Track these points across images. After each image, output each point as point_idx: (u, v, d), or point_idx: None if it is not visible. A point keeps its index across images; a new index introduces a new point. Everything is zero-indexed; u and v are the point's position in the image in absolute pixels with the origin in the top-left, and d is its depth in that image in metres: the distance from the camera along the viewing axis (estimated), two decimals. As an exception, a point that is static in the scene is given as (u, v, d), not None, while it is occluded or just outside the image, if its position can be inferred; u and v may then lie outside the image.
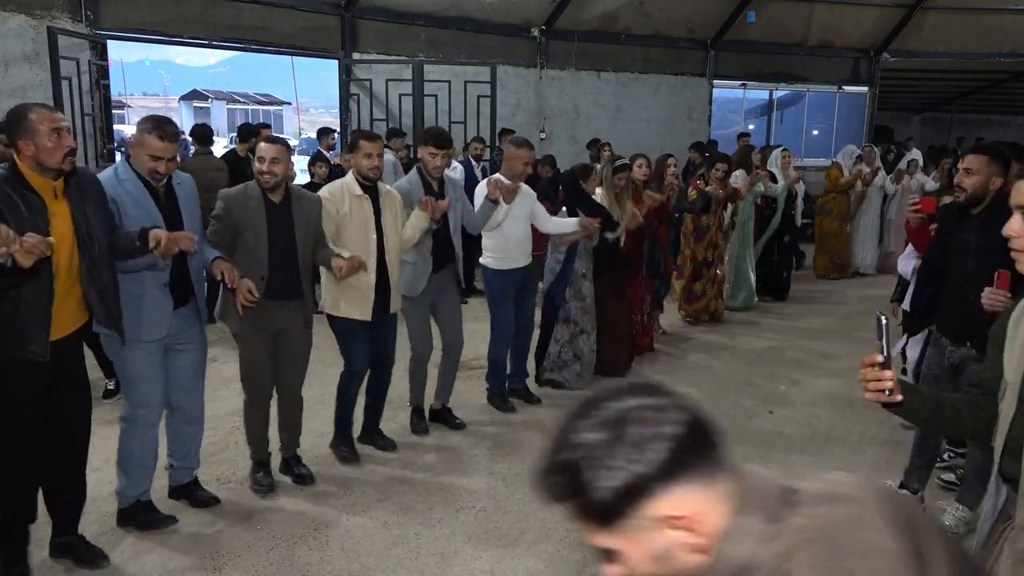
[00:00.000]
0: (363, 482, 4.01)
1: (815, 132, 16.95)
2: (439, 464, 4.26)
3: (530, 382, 5.32)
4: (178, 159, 3.37)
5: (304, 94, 45.22)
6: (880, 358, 1.67)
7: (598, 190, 5.48)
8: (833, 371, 5.86)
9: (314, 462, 4.12)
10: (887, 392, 1.68)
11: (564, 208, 5.30)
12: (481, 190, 4.73)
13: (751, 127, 17.13)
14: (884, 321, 1.62)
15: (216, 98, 42.34)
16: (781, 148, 8.66)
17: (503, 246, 4.82)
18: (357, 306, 4.00)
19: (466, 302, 7.82)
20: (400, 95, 9.99)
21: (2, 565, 2.90)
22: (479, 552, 3.36)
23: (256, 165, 3.63)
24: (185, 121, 38.91)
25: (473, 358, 5.60)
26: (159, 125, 3.19)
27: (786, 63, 13.67)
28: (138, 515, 3.45)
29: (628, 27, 12.14)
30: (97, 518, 3.48)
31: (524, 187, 4.93)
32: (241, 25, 9.14)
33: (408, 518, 3.65)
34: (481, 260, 4.95)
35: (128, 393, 3.37)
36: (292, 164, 3.81)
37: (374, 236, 3.99)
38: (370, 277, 3.96)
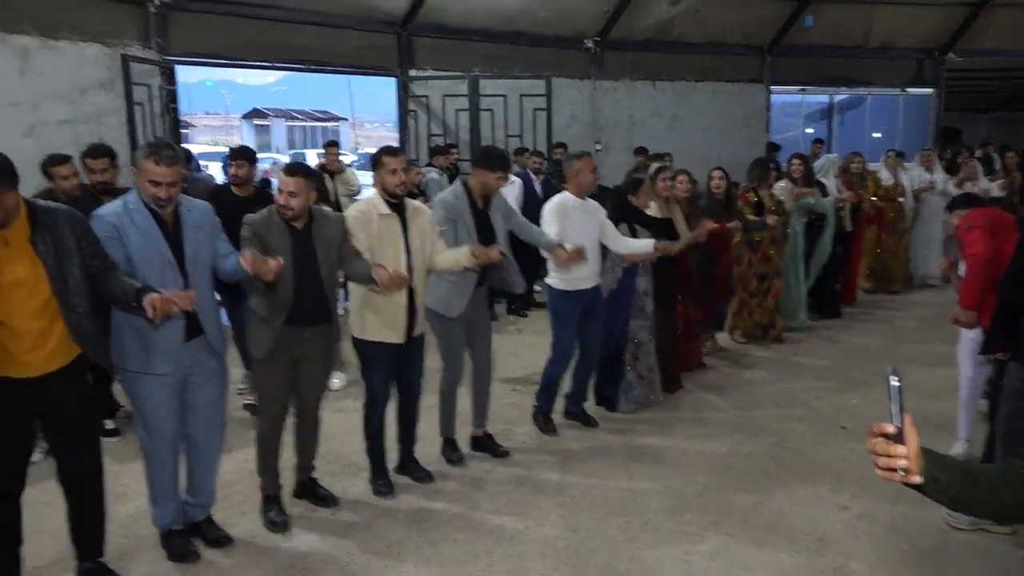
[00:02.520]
0: (415, 505, 4.02)
1: (876, 135, 16.56)
2: (500, 484, 4.24)
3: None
4: (180, 184, 3.26)
5: (360, 109, 46.04)
6: (892, 428, 1.42)
7: (653, 204, 5.35)
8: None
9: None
10: (900, 471, 1.42)
11: (617, 224, 5.14)
12: (549, 213, 4.64)
13: (809, 130, 16.81)
14: (895, 383, 1.39)
15: (276, 116, 43.42)
16: (836, 156, 8.39)
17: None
18: (389, 328, 3.90)
19: (526, 315, 7.87)
20: (457, 110, 10.09)
21: None
22: (550, 570, 3.35)
23: (276, 196, 3.57)
24: (246, 138, 40.01)
25: (535, 372, 5.58)
26: (156, 150, 3.13)
27: (846, 66, 13.39)
28: (170, 543, 3.46)
29: (683, 35, 12.05)
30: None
31: (592, 203, 4.84)
32: (301, 46, 9.36)
33: (477, 535, 3.65)
34: (547, 279, 4.83)
35: (142, 426, 3.35)
36: (313, 192, 3.66)
37: (403, 257, 3.87)
38: (401, 297, 3.86)
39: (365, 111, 49.77)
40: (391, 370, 4.04)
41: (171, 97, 8.24)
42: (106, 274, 2.96)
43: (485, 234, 4.29)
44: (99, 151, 4.54)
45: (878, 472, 1.43)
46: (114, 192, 4.30)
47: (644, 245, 4.93)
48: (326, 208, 3.99)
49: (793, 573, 3.34)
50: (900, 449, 1.41)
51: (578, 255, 4.37)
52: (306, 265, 3.57)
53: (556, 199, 4.77)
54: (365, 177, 7.36)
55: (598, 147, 11.58)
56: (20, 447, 2.94)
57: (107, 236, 3.09)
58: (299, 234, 3.59)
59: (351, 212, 3.95)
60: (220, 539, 3.57)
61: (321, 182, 6.46)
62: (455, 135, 10.15)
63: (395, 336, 3.91)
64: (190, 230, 3.28)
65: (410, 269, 3.88)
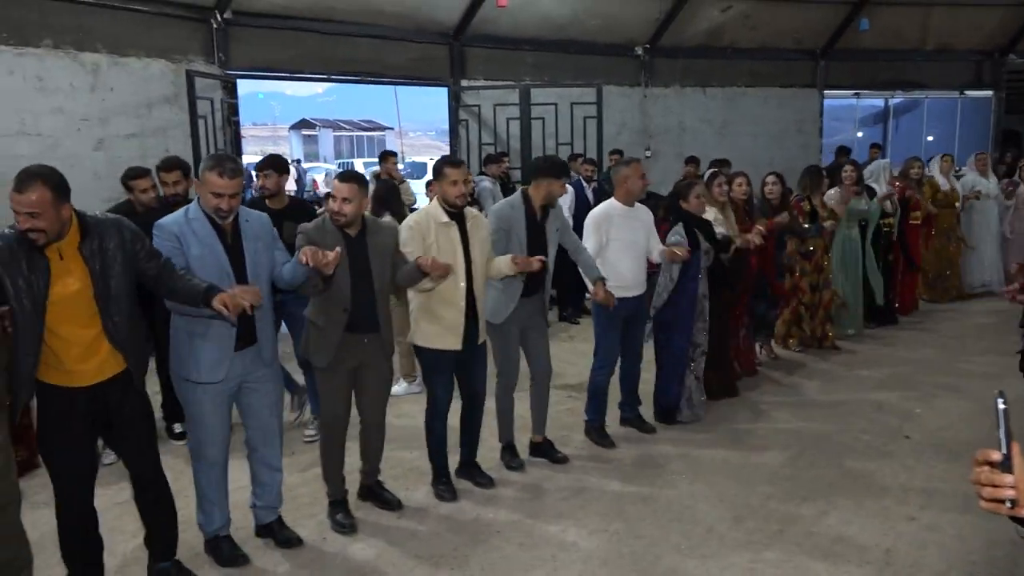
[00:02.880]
0: (481, 507, 4.08)
1: (929, 138, 16.22)
2: (560, 490, 4.28)
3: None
4: (241, 195, 3.33)
5: (404, 119, 46.49)
6: (998, 456, 1.29)
7: (711, 210, 5.35)
8: (965, 395, 5.54)
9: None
10: (1008, 503, 1.29)
11: (673, 225, 5.10)
12: (590, 225, 4.66)
13: (859, 134, 16.53)
14: (1002, 406, 1.27)
15: (323, 126, 44.16)
16: (888, 162, 8.21)
17: (611, 273, 4.60)
18: (448, 335, 3.93)
19: (578, 322, 7.89)
20: (508, 119, 10.18)
21: None
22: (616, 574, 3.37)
23: (329, 203, 3.63)
24: (294, 149, 40.79)
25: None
26: (220, 162, 3.22)
27: (902, 69, 13.15)
28: (216, 549, 3.51)
29: (734, 41, 11.98)
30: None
31: (640, 209, 4.83)
32: (356, 58, 9.56)
33: (540, 540, 3.69)
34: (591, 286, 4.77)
35: (192, 431, 3.43)
36: (366, 199, 3.76)
37: (462, 264, 3.91)
38: (460, 305, 3.92)
39: (409, 120, 50.33)
40: (453, 377, 4.09)
41: (232, 110, 8.50)
42: (167, 274, 3.03)
43: (535, 246, 4.31)
44: (172, 164, 4.70)
45: (982, 505, 1.31)
46: (187, 204, 4.46)
47: (659, 254, 4.87)
48: (385, 219, 4.07)
49: (864, 583, 3.31)
50: (1007, 479, 1.28)
51: (612, 303, 4.43)
52: (359, 272, 3.61)
53: (599, 208, 4.77)
54: (413, 186, 7.50)
55: (648, 154, 11.56)
56: (80, 455, 2.99)
57: (169, 245, 3.18)
58: (352, 241, 3.63)
59: (408, 222, 3.98)
60: (290, 540, 3.64)
61: (397, 193, 6.32)
62: (506, 144, 10.23)
63: (453, 343, 3.94)
64: (249, 241, 3.35)
65: (470, 277, 3.94)
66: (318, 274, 3.34)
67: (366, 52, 9.55)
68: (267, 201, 4.79)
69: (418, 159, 26.54)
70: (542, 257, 4.12)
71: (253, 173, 4.92)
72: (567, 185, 7.63)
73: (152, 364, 4.27)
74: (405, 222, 4.03)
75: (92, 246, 2.83)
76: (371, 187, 4.46)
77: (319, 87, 52.98)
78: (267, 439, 3.56)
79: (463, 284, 3.92)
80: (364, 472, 4.05)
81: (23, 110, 6.94)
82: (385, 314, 3.79)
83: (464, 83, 10.47)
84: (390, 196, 5.78)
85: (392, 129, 46.87)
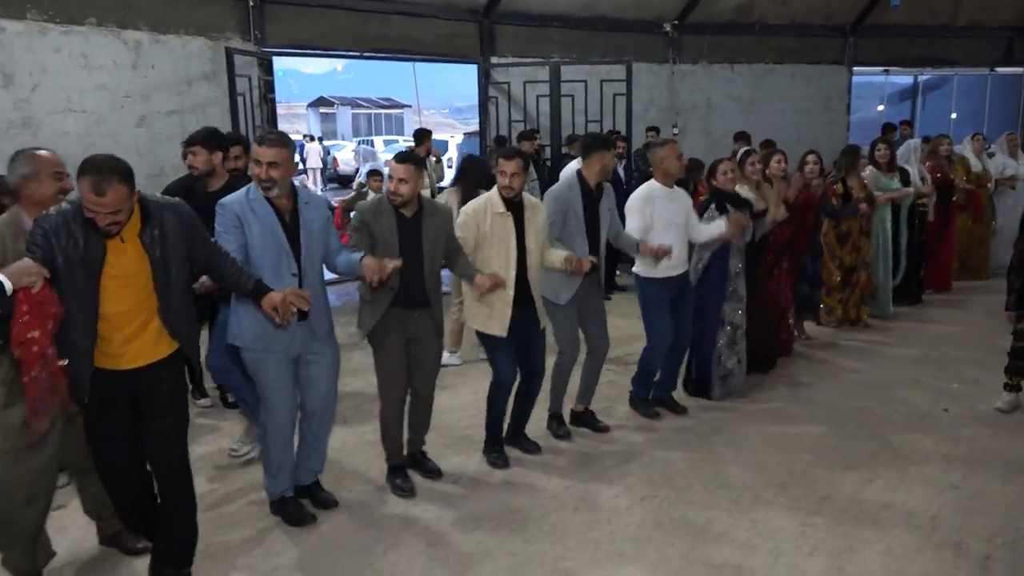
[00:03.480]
0: (536, 473, 4.22)
1: (953, 115, 16.08)
2: (608, 457, 4.40)
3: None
4: (284, 168, 3.30)
5: (420, 96, 46.31)
6: None
7: (739, 189, 5.27)
8: (999, 371, 5.53)
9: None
10: None
11: (712, 206, 5.10)
12: (632, 204, 4.71)
13: (880, 108, 16.37)
14: None
15: (341, 104, 44.12)
16: (920, 140, 8.16)
17: None
18: (495, 322, 4.05)
19: (610, 298, 7.96)
20: (538, 96, 10.21)
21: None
22: (671, 538, 3.50)
23: (385, 184, 3.71)
24: (312, 127, 40.79)
25: (627, 353, 5.70)
26: (263, 134, 3.35)
27: (931, 46, 13.02)
28: (284, 509, 3.66)
29: (763, 17, 11.90)
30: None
31: (679, 191, 4.88)
32: (387, 36, 9.59)
33: (595, 505, 3.82)
34: (633, 268, 4.87)
35: (262, 399, 3.58)
36: (422, 179, 3.80)
37: (514, 254, 4.01)
38: (508, 294, 4.01)
39: (424, 97, 50.17)
40: (512, 353, 4.16)
41: (268, 87, 8.57)
42: (218, 259, 3.05)
43: (592, 225, 4.40)
44: (235, 139, 4.80)
45: None
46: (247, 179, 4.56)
47: (716, 227, 4.89)
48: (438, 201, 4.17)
49: (911, 547, 3.41)
50: None
51: (663, 252, 4.48)
52: (411, 253, 3.68)
53: (641, 189, 4.81)
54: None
55: (675, 131, 11.55)
56: (125, 439, 2.94)
57: (229, 223, 3.29)
58: (407, 222, 3.72)
59: (466, 208, 4.08)
60: (328, 502, 3.80)
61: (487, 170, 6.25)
62: (535, 121, 10.27)
63: (499, 329, 4.04)
64: (306, 222, 3.43)
65: (523, 267, 4.04)
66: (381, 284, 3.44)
67: (397, 29, 9.58)
68: (199, 182, 4.32)
69: (438, 137, 26.51)
70: (593, 259, 4.18)
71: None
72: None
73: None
74: (463, 208, 4.11)
75: (153, 232, 2.81)
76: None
77: (338, 64, 52.75)
78: (320, 408, 3.68)
79: (513, 273, 4.00)
80: (410, 441, 4.15)
81: (69, 87, 7.06)
82: (436, 292, 3.88)
83: (494, 60, 10.49)
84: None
85: (410, 107, 46.80)
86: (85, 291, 2.68)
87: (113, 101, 7.34)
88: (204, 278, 3.50)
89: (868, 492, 3.92)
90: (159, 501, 3.07)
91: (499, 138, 10.22)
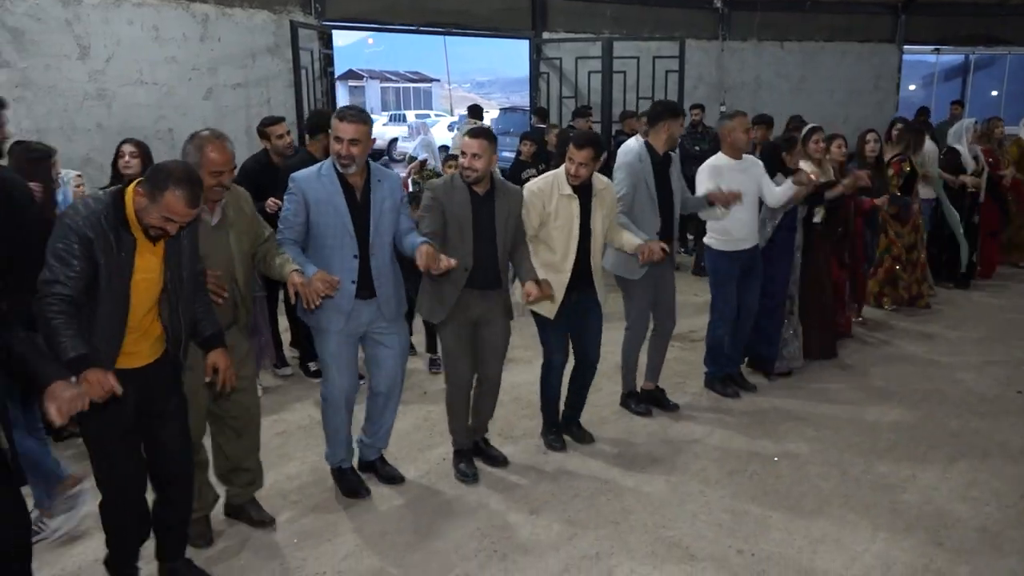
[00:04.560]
0: (625, 450, 4.30)
1: (994, 92, 15.82)
2: (673, 441, 4.47)
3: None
4: (360, 147, 3.27)
5: (442, 71, 46.02)
6: None
7: (803, 164, 5.26)
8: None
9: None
10: None
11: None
12: (701, 175, 4.71)
13: (911, 87, 16.04)
14: None
15: (370, 77, 44.07)
16: (974, 121, 8.07)
17: (726, 226, 4.72)
18: (545, 304, 3.97)
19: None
20: (589, 72, 10.20)
21: None
22: (768, 512, 3.59)
23: (460, 159, 3.65)
24: (341, 100, 40.78)
25: (691, 330, 5.76)
26: (344, 109, 3.32)
27: (984, 25, 12.83)
28: (341, 479, 3.74)
29: (815, -6, 11.80)
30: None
31: (749, 160, 4.85)
32: (443, 10, 9.63)
33: (685, 476, 3.92)
34: (705, 240, 4.89)
35: (323, 374, 3.63)
36: (495, 155, 3.68)
37: (576, 236, 3.93)
38: (563, 277, 3.94)
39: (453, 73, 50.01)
40: (566, 338, 4.12)
41: (328, 61, 8.65)
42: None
43: (664, 195, 4.39)
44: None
45: None
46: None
47: (787, 187, 4.86)
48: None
49: (1006, 524, 3.49)
50: None
51: (734, 197, 4.43)
52: (483, 232, 3.64)
53: (709, 162, 4.80)
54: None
55: (723, 109, 11.48)
56: (135, 437, 2.81)
57: (296, 199, 3.32)
58: (480, 200, 3.65)
59: (531, 186, 3.99)
60: (393, 477, 3.85)
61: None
62: (586, 98, 10.28)
63: (549, 310, 3.99)
64: (377, 201, 3.40)
65: (585, 251, 3.98)
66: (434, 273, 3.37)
67: (455, 3, 9.61)
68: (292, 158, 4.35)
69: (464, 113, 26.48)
70: (665, 246, 4.09)
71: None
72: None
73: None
74: (527, 186, 4.01)
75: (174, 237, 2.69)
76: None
77: (370, 38, 52.47)
78: (388, 386, 3.70)
79: (573, 257, 3.95)
80: (472, 428, 4.05)
81: (141, 60, 7.16)
82: (507, 273, 3.85)
83: (545, 35, 10.48)
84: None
85: (438, 80, 46.74)
86: (119, 293, 2.57)
87: (182, 73, 7.45)
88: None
89: (953, 471, 3.98)
90: (165, 494, 2.95)
91: (539, 109, 10.14)
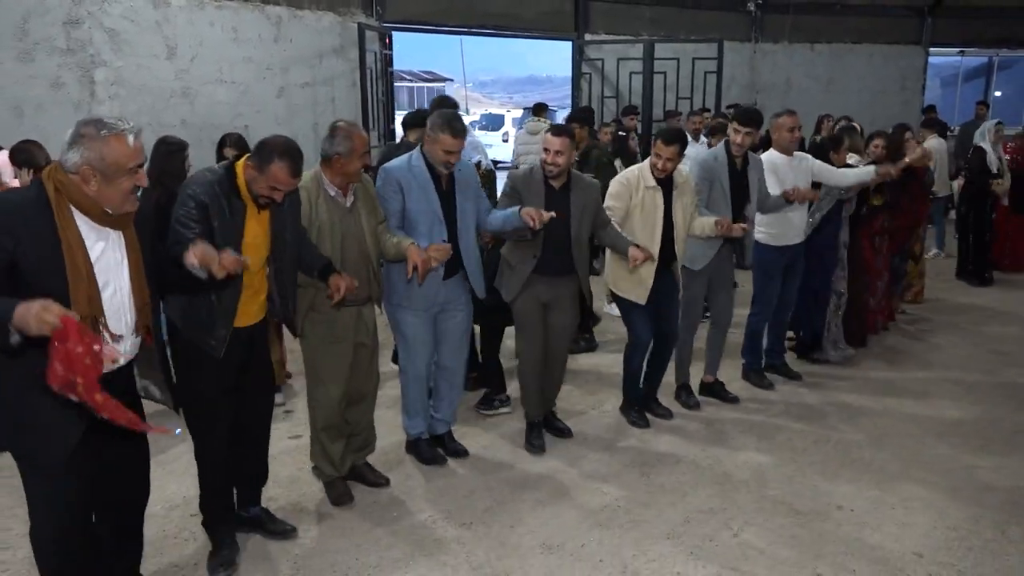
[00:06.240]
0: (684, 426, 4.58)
1: (997, 93, 16.09)
2: (729, 430, 4.56)
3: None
4: (568, 154, 3.73)
5: (446, 70, 46.19)
6: None
7: (850, 159, 5.47)
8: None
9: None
10: None
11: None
12: (764, 166, 4.83)
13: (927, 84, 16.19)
14: None
15: (385, 76, 44.29)
16: (996, 121, 8.30)
17: (778, 221, 4.85)
18: (637, 289, 4.20)
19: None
20: (631, 73, 10.54)
21: (212, 547, 3.15)
22: (833, 485, 3.85)
23: (543, 155, 3.92)
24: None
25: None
26: (450, 123, 3.51)
27: (1010, 27, 13.14)
28: (418, 449, 3.99)
29: (845, -3, 12.13)
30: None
31: (799, 155, 4.99)
32: (491, 12, 10.00)
33: (774, 445, 4.23)
34: (755, 235, 4.86)
35: (402, 350, 3.83)
36: (574, 152, 3.96)
37: (660, 226, 4.17)
38: (652, 264, 4.13)
39: (452, 72, 50.27)
40: (649, 316, 4.32)
41: (388, 62, 9.00)
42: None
43: (739, 195, 4.59)
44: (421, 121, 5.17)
45: None
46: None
47: (865, 171, 4.99)
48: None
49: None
50: None
51: (812, 195, 4.75)
52: (556, 223, 3.76)
53: (765, 156, 4.93)
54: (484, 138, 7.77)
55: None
56: (228, 398, 3.01)
57: (390, 189, 3.61)
58: (555, 193, 3.90)
59: (619, 178, 4.27)
60: (458, 451, 4.07)
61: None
62: (627, 98, 10.62)
63: (640, 296, 4.22)
64: (460, 190, 3.69)
65: (669, 240, 4.24)
66: (527, 225, 3.63)
67: (503, 6, 9.97)
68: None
69: (495, 111, 26.77)
70: (744, 225, 4.33)
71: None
72: (703, 138, 7.84)
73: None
74: (616, 178, 4.28)
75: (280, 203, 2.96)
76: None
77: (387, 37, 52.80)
78: (455, 360, 3.93)
79: (657, 245, 4.17)
80: (542, 402, 4.26)
81: (221, 59, 7.53)
82: (581, 261, 4.04)
83: (587, 37, 10.83)
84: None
85: (451, 80, 47.00)
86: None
87: (257, 73, 7.82)
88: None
89: (1011, 462, 4.13)
90: (248, 448, 3.21)
91: (585, 108, 10.44)
